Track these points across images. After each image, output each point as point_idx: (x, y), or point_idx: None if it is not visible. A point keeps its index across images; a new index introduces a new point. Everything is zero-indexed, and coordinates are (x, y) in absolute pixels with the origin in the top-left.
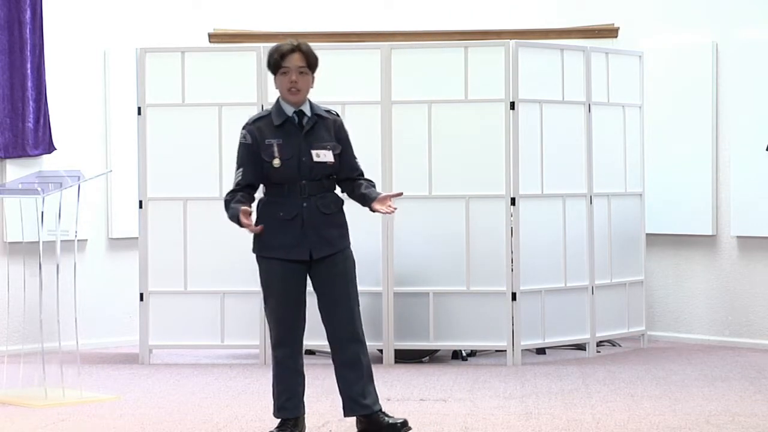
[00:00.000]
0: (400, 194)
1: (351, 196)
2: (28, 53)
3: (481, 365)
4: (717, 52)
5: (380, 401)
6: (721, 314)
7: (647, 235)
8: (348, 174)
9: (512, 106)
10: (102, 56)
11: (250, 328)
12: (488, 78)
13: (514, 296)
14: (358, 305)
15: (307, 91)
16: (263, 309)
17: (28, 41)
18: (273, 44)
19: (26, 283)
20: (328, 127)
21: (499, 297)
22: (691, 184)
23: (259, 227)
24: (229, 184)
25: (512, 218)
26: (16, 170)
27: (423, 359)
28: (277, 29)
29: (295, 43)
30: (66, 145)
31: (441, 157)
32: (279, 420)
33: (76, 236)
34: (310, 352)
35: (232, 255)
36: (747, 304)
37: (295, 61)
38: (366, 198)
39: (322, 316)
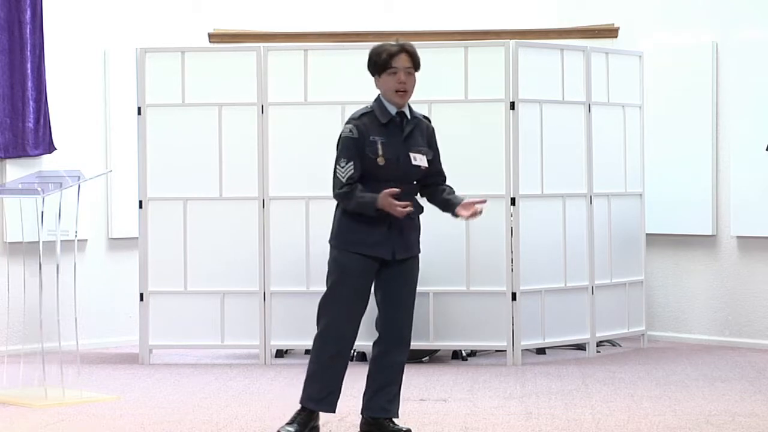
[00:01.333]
0: (485, 201)
1: (432, 201)
2: (28, 53)
3: (481, 365)
4: (717, 52)
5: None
6: (721, 314)
7: (647, 235)
8: (434, 179)
9: (512, 106)
10: (102, 56)
11: (250, 328)
12: (488, 78)
13: (514, 296)
14: (413, 315)
15: (412, 93)
16: (325, 296)
17: (28, 41)
18: (273, 44)
19: (26, 283)
20: (423, 132)
21: (499, 297)
22: (691, 184)
23: (408, 206)
24: (229, 184)
25: (512, 218)
26: (16, 170)
27: (423, 359)
28: (277, 29)
29: (402, 44)
30: (66, 145)
31: (441, 157)
32: (302, 408)
33: (76, 236)
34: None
35: (232, 255)
36: (747, 304)
37: (403, 61)
38: (449, 203)
39: (379, 315)
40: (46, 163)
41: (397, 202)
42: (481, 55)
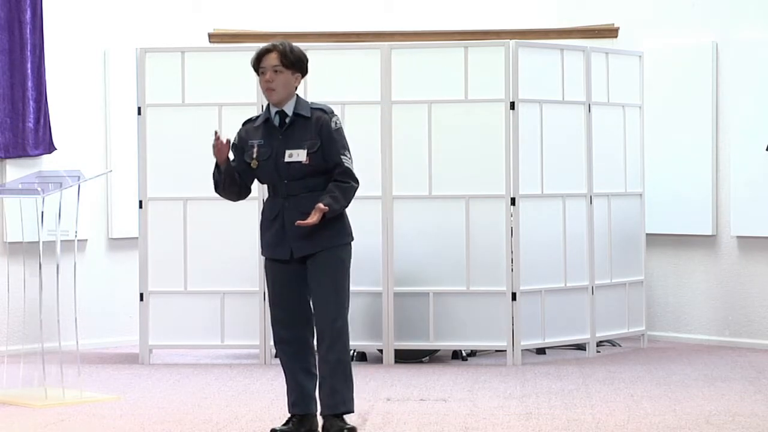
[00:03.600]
0: (315, 218)
1: None
2: (28, 53)
3: (481, 365)
4: (717, 52)
5: (350, 405)
6: (721, 314)
7: (647, 235)
8: (331, 171)
9: (512, 106)
10: (102, 56)
11: (250, 328)
12: (488, 78)
13: (514, 296)
14: (342, 305)
15: (287, 91)
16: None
17: (28, 41)
18: None
19: (26, 283)
20: (309, 126)
21: (499, 297)
22: (690, 184)
23: (223, 141)
24: None
25: (512, 218)
26: (16, 170)
27: (423, 359)
28: (277, 29)
29: (273, 44)
30: (66, 145)
31: (441, 157)
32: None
33: (76, 236)
34: None
35: (232, 255)
36: (747, 304)
37: (271, 60)
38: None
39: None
40: (46, 163)
41: (217, 142)
42: (481, 55)
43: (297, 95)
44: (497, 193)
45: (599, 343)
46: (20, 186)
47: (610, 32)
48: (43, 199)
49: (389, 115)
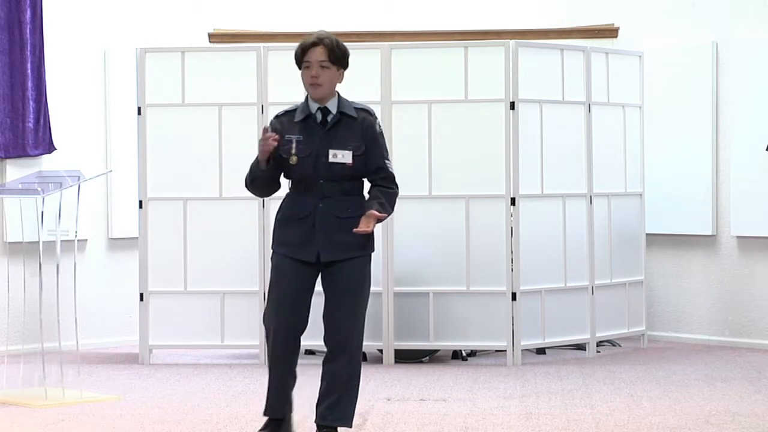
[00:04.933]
0: (372, 224)
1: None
2: (28, 53)
3: (481, 365)
4: (717, 52)
5: (351, 422)
6: (721, 314)
7: (647, 235)
8: (374, 176)
9: (512, 106)
10: (102, 56)
11: (250, 328)
12: (488, 78)
13: (514, 296)
14: (363, 320)
15: (331, 87)
16: (266, 304)
17: (28, 41)
18: (273, 44)
19: (26, 283)
20: (354, 127)
21: (499, 297)
22: (691, 185)
23: (274, 135)
24: (229, 184)
25: (512, 218)
26: (16, 170)
27: (423, 359)
28: (277, 29)
29: (319, 37)
30: (66, 145)
31: (441, 157)
32: (266, 419)
33: (76, 236)
34: (310, 352)
35: (232, 255)
36: (747, 304)
37: (317, 54)
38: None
39: (324, 319)
40: (46, 163)
41: (266, 135)
42: (481, 55)
43: (338, 92)
44: (497, 193)
45: (599, 343)
46: (20, 186)
47: (610, 32)
48: (43, 199)
49: (389, 115)
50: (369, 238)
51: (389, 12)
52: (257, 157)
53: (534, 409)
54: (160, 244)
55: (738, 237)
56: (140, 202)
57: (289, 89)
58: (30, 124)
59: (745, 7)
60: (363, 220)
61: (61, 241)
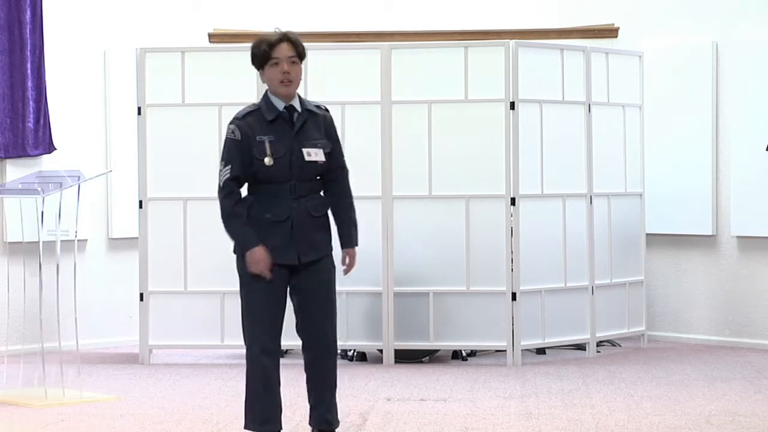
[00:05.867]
0: (348, 266)
1: (331, 207)
2: (28, 53)
3: (481, 365)
4: (717, 52)
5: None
6: (721, 314)
7: (647, 235)
8: (335, 174)
9: (512, 106)
10: (102, 56)
11: None
12: (488, 78)
13: (514, 296)
14: (336, 316)
15: (299, 83)
16: (243, 317)
17: (28, 41)
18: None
19: (26, 283)
20: (319, 124)
21: (499, 297)
22: (691, 184)
23: (269, 275)
24: None
25: (512, 218)
26: (16, 170)
27: (423, 359)
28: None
29: (283, 33)
30: (66, 145)
31: (441, 157)
32: None
33: (76, 236)
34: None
35: (232, 255)
36: (747, 304)
37: (285, 50)
38: (340, 236)
39: (299, 321)
40: (46, 163)
41: (265, 270)
42: (481, 55)
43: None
44: (497, 193)
45: (599, 343)
46: (20, 186)
47: (610, 32)
48: (43, 199)
49: (389, 115)
50: (330, 234)
51: (389, 12)
52: (243, 246)
53: (534, 409)
54: (160, 244)
55: (738, 237)
56: (140, 202)
57: None
58: (30, 124)
59: (745, 7)
60: (349, 258)
61: (61, 241)
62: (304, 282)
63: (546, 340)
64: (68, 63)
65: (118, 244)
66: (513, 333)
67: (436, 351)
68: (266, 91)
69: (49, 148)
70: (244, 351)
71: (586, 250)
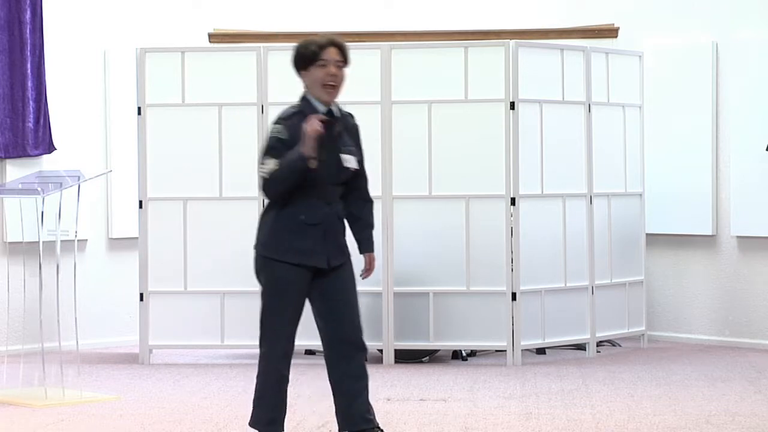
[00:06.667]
0: (369, 271)
1: (346, 211)
2: (28, 53)
3: (481, 365)
4: (717, 52)
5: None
6: (721, 314)
7: (647, 235)
8: (358, 182)
9: (512, 106)
10: (102, 56)
11: (250, 328)
12: (488, 78)
13: (514, 296)
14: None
15: (341, 89)
16: (262, 318)
17: (28, 41)
18: (273, 44)
19: (26, 283)
20: (351, 132)
21: (499, 297)
22: (691, 184)
23: (320, 121)
24: (229, 184)
25: (512, 218)
26: (16, 170)
27: (423, 359)
28: (277, 29)
29: (330, 38)
30: (66, 145)
31: (441, 157)
32: None
33: (76, 236)
34: (310, 352)
35: (232, 255)
36: (747, 304)
37: (333, 54)
38: (359, 242)
39: (325, 324)
40: (46, 163)
41: (314, 121)
42: (481, 55)
43: None
44: (497, 193)
45: (599, 343)
46: (20, 186)
47: (610, 32)
48: (43, 199)
49: (389, 115)
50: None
51: (389, 12)
52: (297, 155)
53: (534, 409)
54: (160, 244)
55: (738, 237)
56: (140, 202)
57: (289, 89)
58: (30, 124)
59: (745, 7)
60: (371, 262)
61: (61, 241)
62: (330, 286)
63: (546, 340)
64: (68, 63)
65: (118, 244)
66: (513, 333)
67: (436, 351)
68: (304, 94)
69: (49, 148)
70: (243, 351)
71: (586, 250)
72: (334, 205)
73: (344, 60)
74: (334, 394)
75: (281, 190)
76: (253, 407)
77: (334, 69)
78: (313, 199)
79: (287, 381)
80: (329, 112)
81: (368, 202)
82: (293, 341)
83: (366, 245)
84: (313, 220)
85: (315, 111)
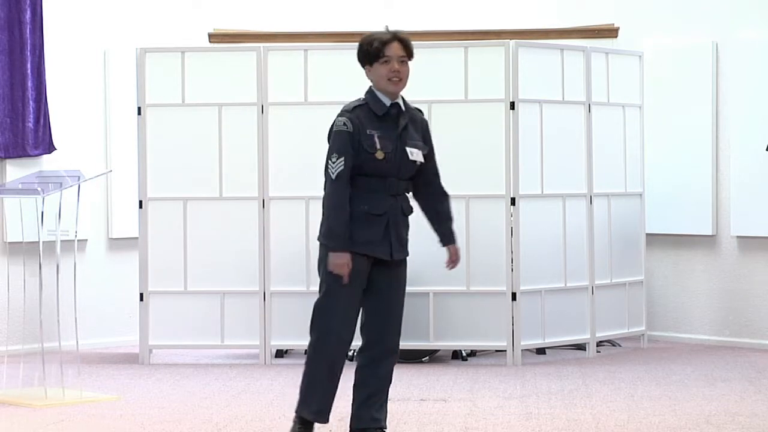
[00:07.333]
0: (454, 262)
1: (423, 207)
2: (28, 53)
3: (481, 365)
4: (717, 52)
5: None
6: (721, 314)
7: (647, 235)
8: (429, 178)
9: (512, 106)
10: (102, 56)
11: (250, 328)
12: (488, 78)
13: (514, 296)
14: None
15: (406, 82)
16: (320, 303)
17: (28, 41)
18: (273, 44)
19: (26, 283)
20: (417, 126)
21: (499, 297)
22: (691, 184)
23: (347, 280)
24: (229, 184)
25: (512, 218)
26: (16, 170)
27: (423, 359)
28: (277, 29)
29: (394, 32)
30: (66, 145)
31: (441, 157)
32: (300, 419)
33: (76, 236)
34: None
35: (232, 255)
36: (747, 304)
37: (396, 49)
38: (441, 234)
39: (367, 320)
40: (46, 163)
41: (344, 269)
42: (481, 55)
43: None
44: (497, 193)
45: (599, 343)
46: (20, 186)
47: (610, 32)
48: (43, 199)
49: None
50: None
51: (389, 12)
52: (337, 248)
53: (534, 409)
54: (160, 244)
55: (738, 237)
56: (140, 202)
57: (289, 89)
58: (30, 124)
59: (745, 7)
60: (454, 253)
61: (61, 241)
62: (384, 281)
63: (546, 340)
64: (68, 63)
65: (118, 244)
66: (513, 333)
67: (436, 351)
68: (370, 87)
69: (49, 148)
70: (243, 351)
71: (586, 250)
72: (399, 199)
73: (408, 54)
74: (355, 385)
75: (326, 209)
76: (304, 396)
77: (397, 65)
78: (378, 191)
79: (339, 371)
80: (395, 105)
81: (445, 195)
82: (352, 331)
83: (449, 237)
84: (377, 211)
85: (381, 104)
